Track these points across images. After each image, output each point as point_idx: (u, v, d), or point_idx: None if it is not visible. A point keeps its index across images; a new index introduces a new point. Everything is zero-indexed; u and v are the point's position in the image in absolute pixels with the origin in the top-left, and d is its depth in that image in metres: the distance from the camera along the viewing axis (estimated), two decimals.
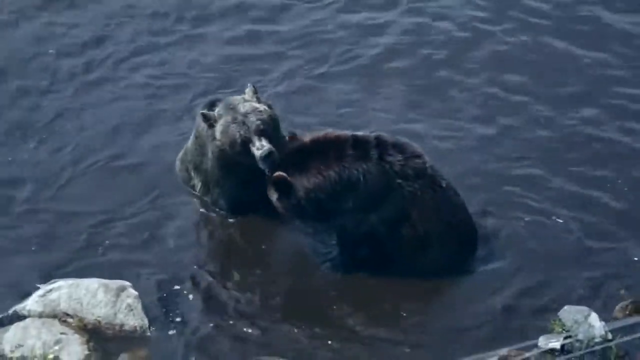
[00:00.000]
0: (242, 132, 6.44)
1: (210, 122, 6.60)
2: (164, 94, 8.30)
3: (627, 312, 5.88)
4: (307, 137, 6.36)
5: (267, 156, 6.38)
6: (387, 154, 6.28)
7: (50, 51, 8.77)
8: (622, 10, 9.24)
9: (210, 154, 6.74)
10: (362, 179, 6.21)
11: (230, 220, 6.88)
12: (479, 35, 8.98)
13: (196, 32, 9.14)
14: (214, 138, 6.59)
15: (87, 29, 9.17)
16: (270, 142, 6.41)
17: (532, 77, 8.40)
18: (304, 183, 6.21)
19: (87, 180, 7.33)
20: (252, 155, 6.42)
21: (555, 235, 6.76)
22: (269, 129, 6.50)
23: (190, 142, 7.00)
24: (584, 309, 5.78)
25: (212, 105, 6.74)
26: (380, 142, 6.31)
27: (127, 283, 6.08)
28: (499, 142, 7.67)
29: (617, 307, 5.95)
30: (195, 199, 7.04)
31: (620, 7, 9.27)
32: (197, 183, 7.02)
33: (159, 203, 7.07)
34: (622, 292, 6.15)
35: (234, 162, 6.61)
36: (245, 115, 6.49)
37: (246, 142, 6.43)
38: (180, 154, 7.17)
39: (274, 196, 6.31)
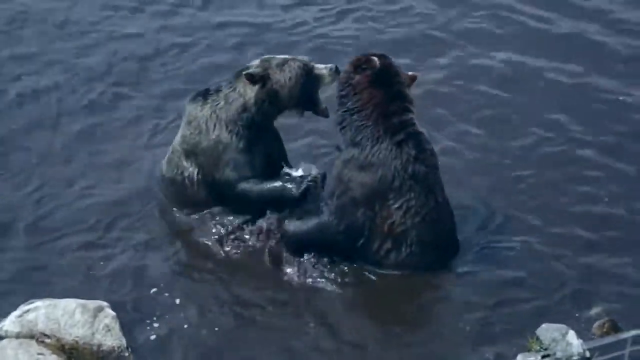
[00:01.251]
0: (302, 64, 6.65)
1: (258, 77, 6.60)
2: None
3: (605, 330, 5.90)
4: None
5: (336, 70, 6.65)
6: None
7: None
8: None
9: (239, 113, 6.68)
10: None
11: (222, 239, 6.82)
12: None
13: None
14: (267, 91, 6.59)
15: None
16: None
17: None
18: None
19: (63, 201, 7.30)
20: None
21: (532, 251, 6.75)
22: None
23: (180, 133, 6.93)
24: (561, 326, 5.77)
25: (205, 95, 6.80)
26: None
27: (104, 303, 6.05)
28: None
29: (595, 325, 5.98)
30: (177, 215, 7.01)
31: None
32: (192, 169, 6.84)
33: (138, 223, 7.04)
34: (599, 309, 6.16)
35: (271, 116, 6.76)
36: (293, 58, 6.75)
37: (310, 69, 6.64)
38: (165, 159, 7.07)
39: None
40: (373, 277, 6.51)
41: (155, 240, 6.91)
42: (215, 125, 6.73)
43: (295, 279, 6.52)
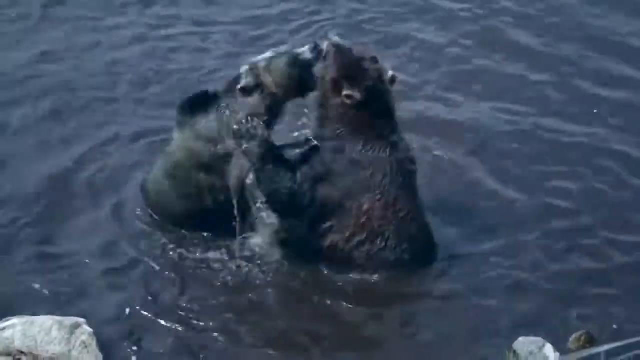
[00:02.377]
0: (285, 59, 6.58)
1: (253, 88, 6.58)
2: None
3: (581, 343, 5.91)
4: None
5: (315, 47, 6.52)
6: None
7: None
8: None
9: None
10: None
11: (196, 255, 6.81)
12: None
13: None
14: (266, 93, 6.54)
15: None
16: None
17: None
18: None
19: (42, 218, 7.23)
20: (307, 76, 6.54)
21: (511, 263, 6.78)
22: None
23: (183, 149, 6.80)
24: (538, 340, 5.78)
25: (204, 106, 6.71)
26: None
27: (81, 320, 6.00)
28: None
29: (572, 338, 5.98)
30: (158, 232, 7.00)
31: None
32: (214, 180, 6.75)
33: (117, 239, 7.01)
34: (577, 322, 6.18)
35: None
36: (275, 54, 6.70)
37: (294, 58, 6.54)
38: (160, 177, 6.96)
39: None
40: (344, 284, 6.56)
41: (135, 257, 6.86)
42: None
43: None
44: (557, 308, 6.36)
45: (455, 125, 8.31)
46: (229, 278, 6.67)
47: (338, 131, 6.44)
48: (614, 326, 6.14)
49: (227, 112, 6.67)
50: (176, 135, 6.87)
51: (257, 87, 6.63)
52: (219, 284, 6.64)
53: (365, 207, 6.40)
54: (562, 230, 7.08)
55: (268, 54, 6.79)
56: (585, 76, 9.03)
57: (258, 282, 6.63)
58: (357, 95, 6.33)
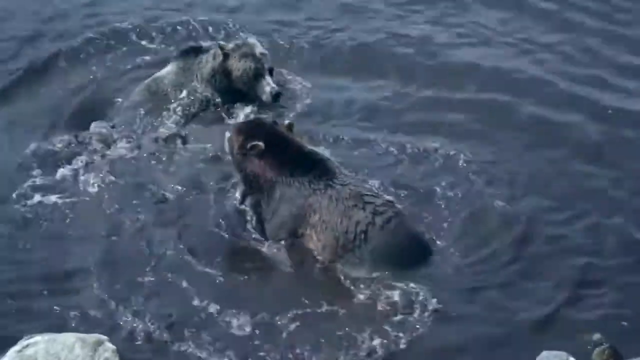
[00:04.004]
0: (258, 66, 8.06)
1: (225, 51, 8.09)
2: None
3: (605, 357, 5.89)
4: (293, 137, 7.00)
5: (277, 95, 8.18)
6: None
7: None
8: None
9: (204, 82, 8.30)
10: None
11: (215, 270, 6.81)
12: None
13: None
14: (224, 67, 8.12)
15: None
16: None
17: None
18: (263, 169, 6.90)
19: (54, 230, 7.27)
20: (255, 88, 8.16)
21: (531, 280, 6.72)
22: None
23: (169, 76, 8.49)
24: (562, 353, 5.78)
25: (196, 51, 8.42)
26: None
27: (104, 337, 6.01)
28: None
29: (595, 352, 5.96)
30: (175, 249, 7.01)
31: None
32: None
33: (133, 250, 7.04)
34: (599, 336, 6.13)
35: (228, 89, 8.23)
36: (262, 54, 8.14)
37: (258, 75, 8.07)
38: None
39: (237, 139, 6.94)
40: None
41: (154, 274, 6.85)
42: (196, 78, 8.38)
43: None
44: (580, 322, 6.32)
45: None
46: (248, 294, 6.68)
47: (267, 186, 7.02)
48: None
49: (203, 63, 8.38)
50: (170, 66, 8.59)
51: (224, 55, 8.19)
52: (239, 300, 6.61)
53: None
54: (586, 242, 7.05)
55: (259, 49, 8.26)
56: None
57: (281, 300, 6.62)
58: (260, 146, 6.87)
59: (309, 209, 6.76)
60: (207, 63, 8.25)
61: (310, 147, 7.07)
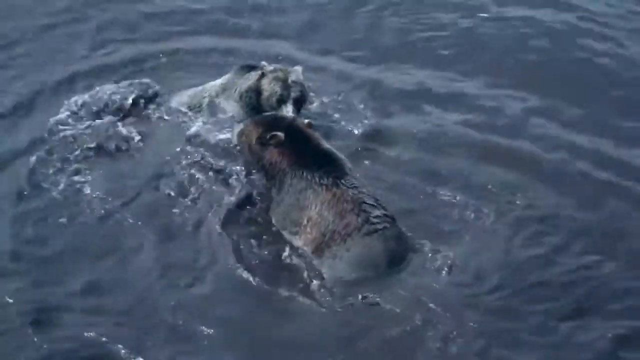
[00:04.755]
0: (283, 92, 8.00)
1: (263, 71, 8.15)
2: None
3: None
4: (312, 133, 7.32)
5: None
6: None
7: None
8: None
9: (239, 95, 8.29)
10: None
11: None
12: None
13: None
14: (257, 85, 8.15)
15: None
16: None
17: None
18: (279, 159, 7.19)
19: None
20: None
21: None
22: (301, 107, 8.11)
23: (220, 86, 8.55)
24: None
25: (251, 68, 8.36)
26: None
27: None
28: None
29: None
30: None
31: None
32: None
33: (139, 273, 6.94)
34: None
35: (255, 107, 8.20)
36: (294, 83, 8.07)
37: (280, 102, 8.01)
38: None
39: (256, 130, 7.30)
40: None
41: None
42: (236, 91, 8.36)
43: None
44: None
45: None
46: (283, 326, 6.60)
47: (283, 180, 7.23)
48: None
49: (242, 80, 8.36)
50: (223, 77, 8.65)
51: (261, 75, 8.19)
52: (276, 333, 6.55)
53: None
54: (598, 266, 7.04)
55: (292, 77, 8.13)
56: None
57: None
58: (280, 137, 7.20)
59: (311, 202, 6.96)
60: (248, 80, 8.33)
61: (327, 145, 7.32)
